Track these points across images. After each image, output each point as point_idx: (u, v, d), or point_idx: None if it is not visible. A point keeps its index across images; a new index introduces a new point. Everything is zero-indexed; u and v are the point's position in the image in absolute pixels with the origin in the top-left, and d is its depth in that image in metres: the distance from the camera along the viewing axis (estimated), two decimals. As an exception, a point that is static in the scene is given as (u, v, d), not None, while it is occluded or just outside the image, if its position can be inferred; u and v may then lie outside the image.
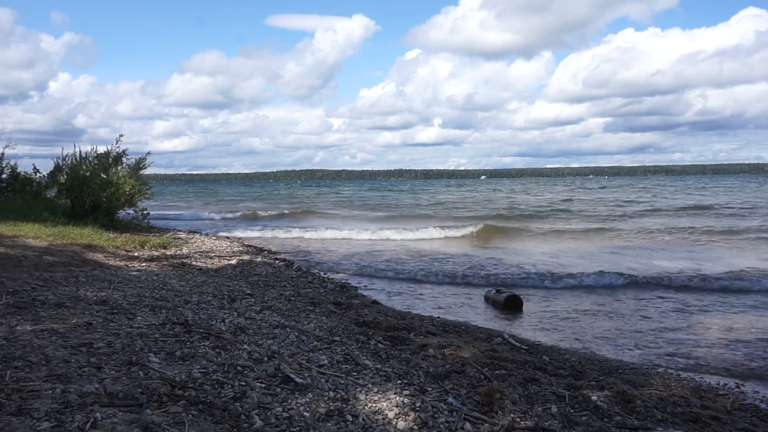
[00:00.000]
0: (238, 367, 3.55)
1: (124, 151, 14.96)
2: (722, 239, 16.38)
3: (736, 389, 4.80)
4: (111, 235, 11.42)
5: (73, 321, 4.32)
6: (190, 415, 2.74)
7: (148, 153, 15.86)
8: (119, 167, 14.48)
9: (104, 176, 13.41)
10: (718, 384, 4.91)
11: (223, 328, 4.68)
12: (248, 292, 7.11)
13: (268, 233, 19.22)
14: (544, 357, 5.39)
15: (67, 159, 14.27)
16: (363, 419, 2.98)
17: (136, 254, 9.80)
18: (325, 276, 10.24)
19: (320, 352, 4.30)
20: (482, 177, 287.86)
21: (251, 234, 18.93)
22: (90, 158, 14.20)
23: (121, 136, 14.96)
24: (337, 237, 18.27)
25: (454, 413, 3.21)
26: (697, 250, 14.44)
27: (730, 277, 9.76)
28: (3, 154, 15.94)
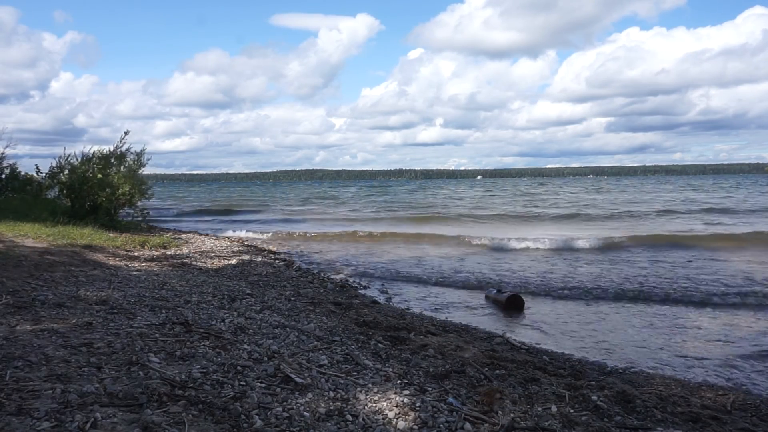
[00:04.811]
0: (238, 367, 3.55)
1: (128, 149, 14.83)
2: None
3: (736, 389, 4.79)
4: (111, 235, 11.42)
5: (73, 321, 4.32)
6: (190, 415, 2.74)
7: (144, 149, 15.37)
8: (121, 167, 14.37)
9: (101, 176, 13.36)
10: (718, 384, 4.91)
11: (223, 328, 4.68)
12: (248, 291, 7.12)
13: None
14: (544, 357, 5.39)
15: (69, 158, 14.20)
16: (363, 419, 2.98)
17: (136, 254, 9.80)
18: (326, 276, 10.24)
19: (320, 352, 4.30)
20: (478, 177, 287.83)
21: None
22: (93, 159, 14.12)
23: (127, 132, 14.74)
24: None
25: (454, 413, 3.21)
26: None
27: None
28: (3, 154, 15.95)
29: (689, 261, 11.83)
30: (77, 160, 14.02)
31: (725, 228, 18.72)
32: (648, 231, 17.73)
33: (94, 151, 14.30)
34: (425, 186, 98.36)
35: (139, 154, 15.18)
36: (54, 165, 14.19)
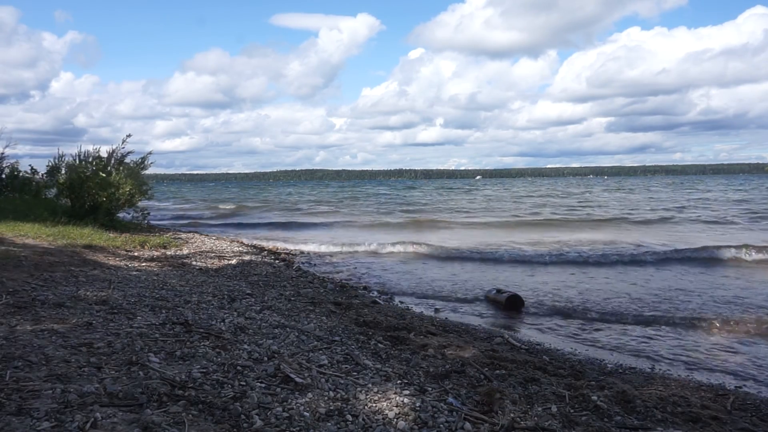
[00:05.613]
0: (238, 367, 3.55)
1: (129, 152, 14.83)
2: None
3: (736, 389, 4.80)
4: (111, 235, 11.42)
5: (73, 321, 4.32)
6: (190, 415, 2.74)
7: (150, 153, 15.55)
8: (121, 168, 14.35)
9: (103, 175, 13.35)
10: (718, 384, 4.91)
11: (223, 328, 4.68)
12: (248, 291, 7.12)
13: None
14: (544, 357, 5.39)
15: (63, 159, 14.16)
16: (363, 419, 2.98)
17: (136, 254, 9.80)
18: (325, 276, 10.24)
19: (320, 352, 4.30)
20: (477, 177, 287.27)
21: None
22: (91, 158, 14.09)
23: (129, 136, 14.69)
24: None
25: (454, 413, 3.21)
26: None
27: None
28: (3, 153, 15.94)
29: None
30: (74, 159, 13.98)
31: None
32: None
33: (87, 151, 14.25)
34: (450, 186, 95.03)
35: (143, 158, 15.20)
36: (50, 165, 14.17)
